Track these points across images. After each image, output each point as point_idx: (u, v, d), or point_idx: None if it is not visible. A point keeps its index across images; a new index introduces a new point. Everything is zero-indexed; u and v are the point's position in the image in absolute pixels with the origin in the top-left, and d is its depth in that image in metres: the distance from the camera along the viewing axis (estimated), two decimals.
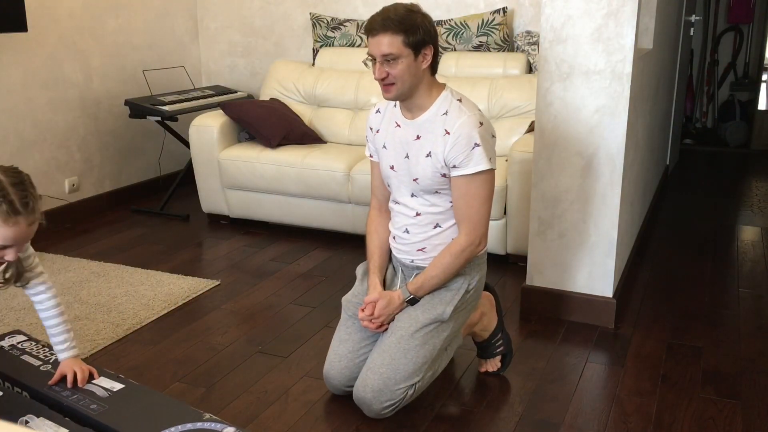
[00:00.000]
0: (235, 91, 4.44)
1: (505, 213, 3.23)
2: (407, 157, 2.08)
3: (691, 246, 3.61)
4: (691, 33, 5.15)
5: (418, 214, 2.12)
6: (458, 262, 2.06)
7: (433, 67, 2.03)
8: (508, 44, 3.91)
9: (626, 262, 3.02)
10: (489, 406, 2.18)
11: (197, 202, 4.05)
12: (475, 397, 2.23)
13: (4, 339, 1.99)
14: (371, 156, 2.26)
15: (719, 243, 3.66)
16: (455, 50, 3.97)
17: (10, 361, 1.87)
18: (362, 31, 4.13)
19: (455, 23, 3.95)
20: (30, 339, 1.99)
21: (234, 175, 3.71)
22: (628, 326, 2.71)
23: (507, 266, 3.29)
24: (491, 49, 3.91)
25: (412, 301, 2.09)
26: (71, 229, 3.85)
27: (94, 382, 1.78)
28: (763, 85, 6.15)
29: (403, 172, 2.11)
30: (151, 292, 2.98)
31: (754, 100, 6.07)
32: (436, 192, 2.08)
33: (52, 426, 1.59)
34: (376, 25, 1.94)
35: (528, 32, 3.91)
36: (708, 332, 2.67)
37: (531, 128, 3.41)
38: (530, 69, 3.83)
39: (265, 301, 2.94)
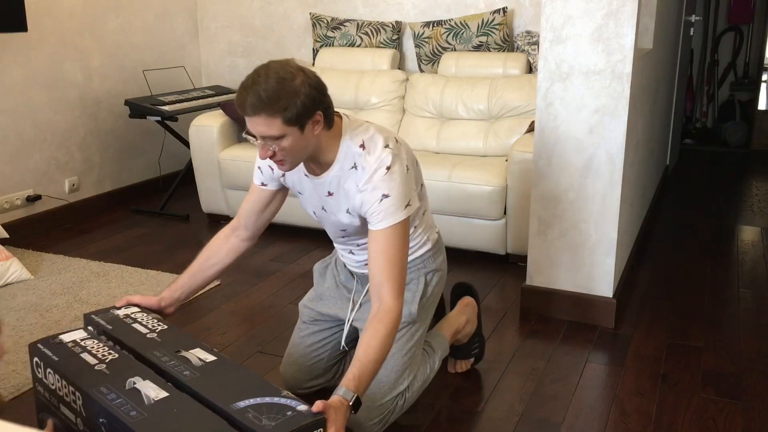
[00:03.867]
0: (235, 91, 4.44)
1: (505, 213, 3.23)
2: (324, 210, 1.97)
3: (691, 246, 3.62)
4: (691, 33, 5.15)
5: (358, 245, 2.05)
6: (394, 333, 1.77)
7: (329, 123, 1.78)
8: (508, 44, 3.91)
9: (626, 262, 3.02)
10: (489, 406, 2.18)
11: (197, 202, 4.05)
12: (475, 397, 2.23)
13: (120, 309, 2.06)
14: (264, 184, 2.02)
15: (719, 243, 3.66)
16: (455, 50, 3.97)
17: (123, 327, 1.96)
18: (362, 31, 4.14)
19: (455, 23, 3.95)
20: (142, 310, 2.05)
21: (234, 175, 3.71)
22: (628, 326, 2.71)
23: (507, 266, 3.30)
24: (491, 49, 3.91)
25: (357, 405, 1.66)
26: (71, 229, 3.85)
27: (191, 351, 1.84)
28: (763, 85, 6.15)
29: (326, 220, 2.01)
30: (151, 292, 2.97)
31: (754, 100, 6.07)
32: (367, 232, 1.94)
33: (155, 388, 1.69)
34: (245, 106, 1.65)
35: (528, 32, 3.91)
36: (708, 332, 2.67)
37: (531, 128, 3.41)
38: (530, 69, 3.83)
39: (265, 301, 2.94)
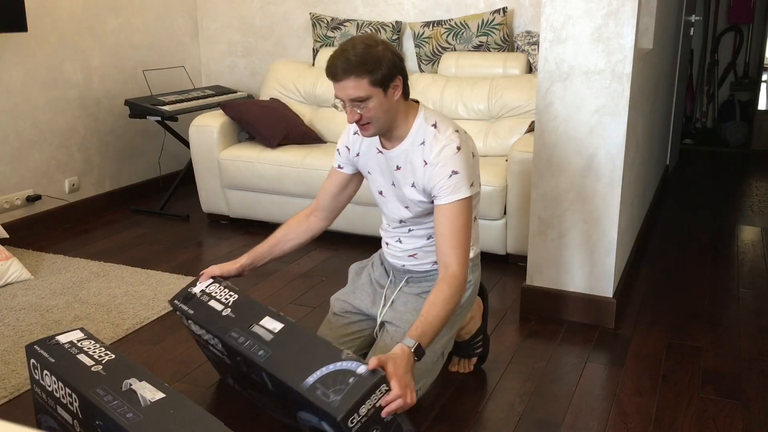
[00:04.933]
0: (235, 91, 4.44)
1: (505, 213, 3.23)
2: (394, 184, 2.07)
3: (691, 246, 3.62)
4: (691, 33, 5.15)
5: (410, 230, 2.12)
6: (458, 296, 1.90)
7: (406, 94, 1.95)
8: (508, 44, 3.91)
9: (626, 262, 3.02)
10: (489, 406, 2.18)
11: (197, 202, 4.05)
12: (475, 397, 2.23)
13: (196, 286, 2.15)
14: (340, 167, 2.19)
15: (719, 243, 3.66)
16: (455, 50, 3.97)
17: (202, 309, 2.06)
18: (362, 31, 4.13)
19: (455, 23, 3.95)
20: (216, 282, 2.14)
21: (234, 175, 3.71)
22: (628, 326, 2.71)
23: (507, 266, 3.30)
24: (491, 49, 3.91)
25: (419, 352, 1.77)
26: (71, 229, 3.85)
27: (261, 323, 1.93)
28: (763, 85, 6.15)
29: (392, 197, 2.09)
30: (151, 292, 2.98)
31: (754, 100, 6.07)
32: (427, 215, 2.07)
33: (151, 389, 1.72)
34: (337, 70, 1.85)
35: (528, 32, 3.91)
36: (708, 332, 2.67)
37: (531, 128, 3.41)
38: (530, 69, 3.83)
39: (265, 301, 2.93)
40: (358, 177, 2.21)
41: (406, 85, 1.94)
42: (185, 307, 2.09)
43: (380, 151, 2.06)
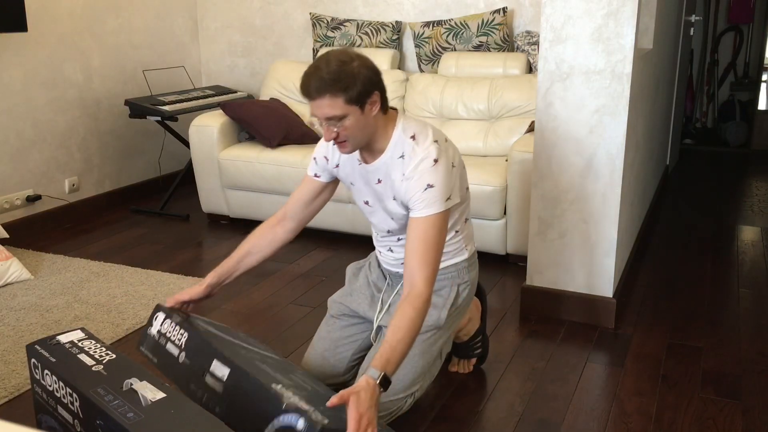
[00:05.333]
0: (235, 91, 4.44)
1: (505, 213, 3.23)
2: (376, 198, 2.03)
3: (691, 246, 3.62)
4: (691, 33, 5.15)
5: (399, 239, 2.10)
6: (423, 317, 1.81)
7: (384, 108, 1.89)
8: (508, 44, 3.91)
9: (626, 262, 3.02)
10: (489, 406, 2.18)
11: (197, 202, 4.05)
12: (475, 397, 2.23)
13: (152, 323, 2.07)
14: (317, 176, 2.11)
15: (719, 243, 3.66)
16: (455, 50, 3.97)
17: (160, 352, 2.01)
18: (362, 31, 4.14)
19: (455, 23, 3.95)
20: (168, 317, 2.07)
21: (234, 175, 3.71)
22: (628, 326, 2.71)
23: (507, 266, 3.30)
24: (491, 49, 3.91)
25: (385, 383, 1.69)
26: (71, 229, 3.85)
27: (211, 370, 1.87)
28: (763, 85, 6.15)
29: (377, 209, 2.06)
30: (151, 292, 2.98)
31: (754, 100, 6.07)
32: None
33: (152, 389, 1.72)
34: (310, 89, 1.78)
35: (528, 32, 3.91)
36: (708, 332, 2.67)
37: (531, 128, 3.41)
38: (530, 69, 3.83)
39: (265, 301, 2.94)
40: (332, 185, 2.14)
41: (385, 99, 1.89)
42: (150, 355, 2.03)
43: (360, 164, 2.01)
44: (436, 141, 1.91)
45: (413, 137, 1.92)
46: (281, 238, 2.16)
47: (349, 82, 1.77)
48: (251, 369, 1.78)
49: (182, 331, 1.98)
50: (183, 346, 1.95)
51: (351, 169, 2.04)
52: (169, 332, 2.01)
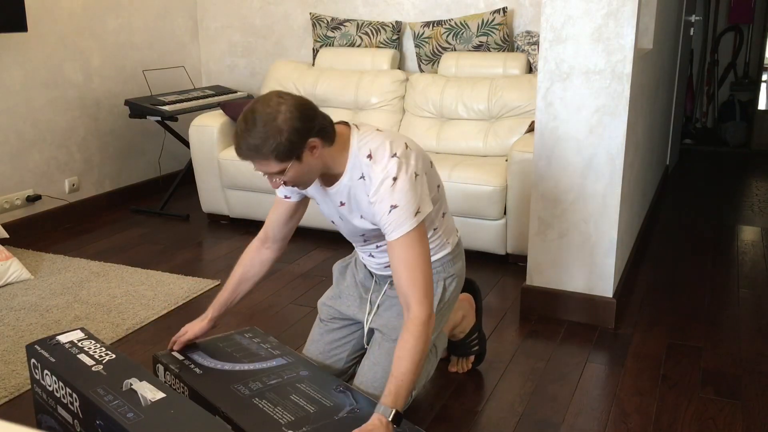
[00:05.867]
0: (235, 91, 4.44)
1: (505, 213, 3.23)
2: (341, 218, 2.01)
3: (691, 246, 3.62)
4: (691, 33, 5.15)
5: (378, 246, 2.07)
6: (424, 340, 1.79)
7: (329, 140, 1.81)
8: (508, 44, 3.91)
9: (626, 262, 3.02)
10: (489, 406, 2.18)
11: (197, 202, 4.05)
12: (475, 397, 2.23)
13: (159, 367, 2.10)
14: (287, 197, 2.07)
15: (719, 243, 3.66)
16: (455, 50, 3.97)
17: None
18: (362, 31, 4.14)
19: (455, 23, 3.95)
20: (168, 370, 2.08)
21: (234, 175, 3.71)
22: (628, 326, 2.71)
23: (507, 266, 3.29)
24: (491, 49, 3.91)
25: (397, 419, 1.73)
26: (71, 229, 3.85)
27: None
28: (763, 85, 6.15)
29: (344, 227, 2.04)
30: (151, 292, 2.98)
31: (754, 100, 6.07)
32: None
33: (152, 389, 1.74)
34: (242, 154, 1.75)
35: (528, 32, 3.91)
36: (708, 332, 2.67)
37: (531, 128, 3.41)
38: (530, 69, 3.83)
39: (265, 301, 2.93)
40: (304, 202, 2.12)
41: (327, 134, 1.79)
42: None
43: (321, 187, 1.98)
44: (394, 155, 1.83)
45: (369, 156, 1.84)
46: (270, 258, 2.17)
47: (276, 144, 1.70)
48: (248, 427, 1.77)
49: (182, 385, 1.98)
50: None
51: (315, 190, 2.00)
52: (173, 385, 2.02)
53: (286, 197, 2.08)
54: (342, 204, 1.94)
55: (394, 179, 1.81)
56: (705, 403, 2.19)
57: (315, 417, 1.79)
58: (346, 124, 1.90)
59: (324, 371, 2.04)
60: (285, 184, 1.81)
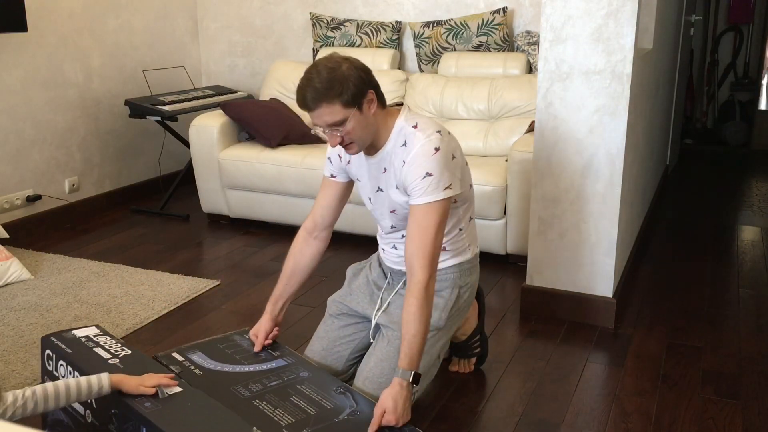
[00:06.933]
0: (235, 91, 4.44)
1: (505, 213, 3.23)
2: (380, 189, 2.05)
3: (691, 246, 3.61)
4: (691, 33, 5.15)
5: (404, 236, 2.08)
6: (429, 302, 1.89)
7: (382, 103, 1.94)
8: (508, 44, 3.91)
9: (626, 262, 3.02)
10: (489, 406, 2.18)
11: (197, 202, 4.05)
12: (475, 397, 2.23)
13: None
14: (333, 176, 2.14)
15: (719, 243, 3.66)
16: (455, 50, 3.97)
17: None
18: (362, 31, 4.14)
19: (455, 23, 3.95)
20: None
21: (234, 175, 3.71)
22: (628, 326, 2.71)
23: (507, 266, 3.29)
24: (491, 49, 3.91)
25: (416, 379, 1.86)
26: (71, 229, 3.85)
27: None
28: (763, 85, 6.15)
29: (379, 204, 2.07)
30: (151, 292, 2.98)
31: (754, 100, 6.07)
32: None
33: None
34: (307, 101, 1.83)
35: (528, 32, 3.91)
36: (708, 332, 2.67)
37: (531, 128, 3.41)
38: (530, 69, 3.83)
39: (265, 301, 2.92)
40: (349, 186, 2.18)
41: (380, 94, 1.93)
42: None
43: (366, 158, 2.05)
44: (439, 131, 1.93)
45: (416, 126, 1.94)
46: (319, 250, 2.21)
47: (342, 86, 1.81)
48: None
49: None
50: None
51: (359, 164, 2.07)
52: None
53: (332, 176, 2.13)
54: (385, 171, 2.00)
55: (436, 149, 1.89)
56: (705, 403, 2.19)
57: (315, 419, 1.79)
58: (399, 104, 1.99)
59: (324, 372, 2.04)
60: (342, 142, 1.87)
